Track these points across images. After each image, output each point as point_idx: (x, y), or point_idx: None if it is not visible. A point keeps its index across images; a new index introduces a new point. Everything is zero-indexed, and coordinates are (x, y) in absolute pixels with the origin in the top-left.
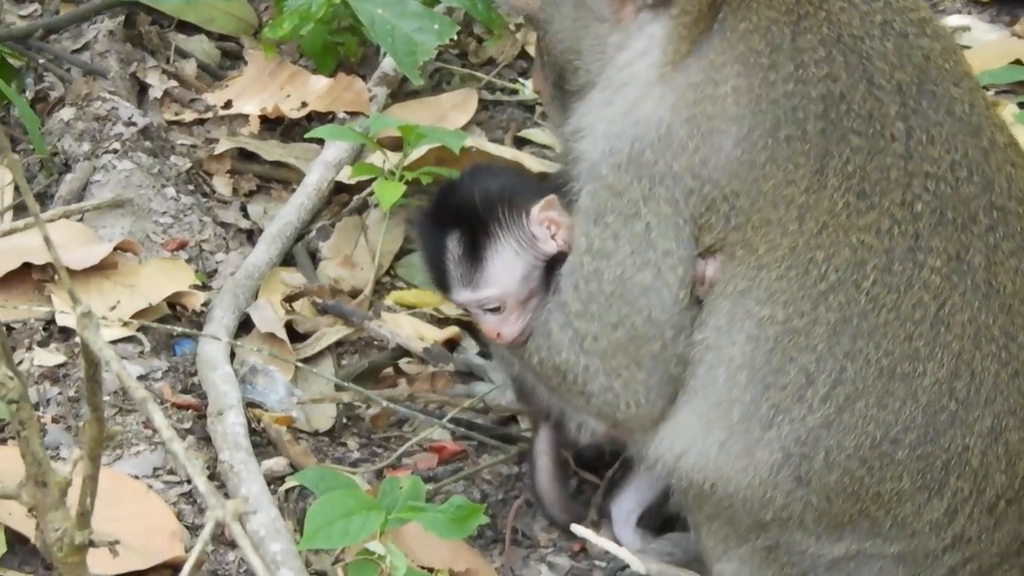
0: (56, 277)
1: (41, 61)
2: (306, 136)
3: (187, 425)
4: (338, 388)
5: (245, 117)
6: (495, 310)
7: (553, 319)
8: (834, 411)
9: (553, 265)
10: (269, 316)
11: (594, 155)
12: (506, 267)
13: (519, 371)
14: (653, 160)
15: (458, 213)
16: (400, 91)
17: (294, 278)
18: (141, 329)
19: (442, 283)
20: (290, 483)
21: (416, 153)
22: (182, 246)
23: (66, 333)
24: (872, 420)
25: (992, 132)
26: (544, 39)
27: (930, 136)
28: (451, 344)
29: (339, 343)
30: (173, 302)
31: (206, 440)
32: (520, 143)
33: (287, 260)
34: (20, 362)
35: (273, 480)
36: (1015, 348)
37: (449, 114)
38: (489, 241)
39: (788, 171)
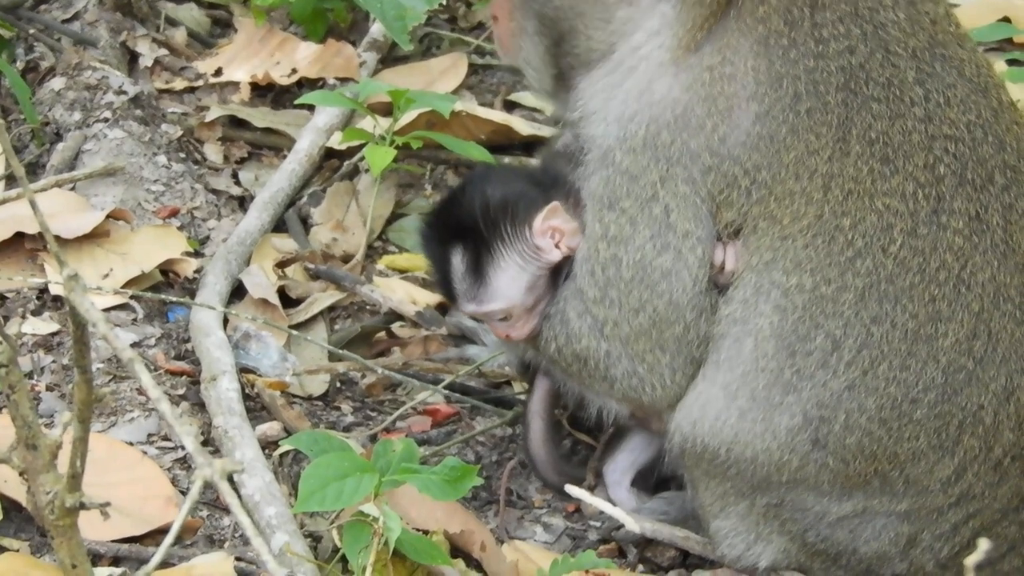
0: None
1: (31, 31)
2: (296, 102)
3: (181, 391)
4: (333, 355)
5: (235, 84)
6: (503, 319)
7: (570, 307)
8: (858, 375)
9: (559, 268)
10: (261, 282)
11: (607, 140)
12: (510, 282)
13: (532, 357)
14: (670, 141)
15: (460, 228)
16: (390, 56)
17: (286, 244)
18: (134, 296)
19: (448, 293)
20: (284, 447)
21: (406, 118)
22: (174, 213)
23: (59, 302)
24: (894, 382)
25: (998, 92)
26: None
27: (946, 98)
28: (443, 307)
29: (331, 308)
30: (165, 269)
31: (200, 406)
32: (510, 106)
33: (279, 226)
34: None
35: (267, 444)
36: None
37: (439, 78)
38: (492, 258)
39: (810, 142)
